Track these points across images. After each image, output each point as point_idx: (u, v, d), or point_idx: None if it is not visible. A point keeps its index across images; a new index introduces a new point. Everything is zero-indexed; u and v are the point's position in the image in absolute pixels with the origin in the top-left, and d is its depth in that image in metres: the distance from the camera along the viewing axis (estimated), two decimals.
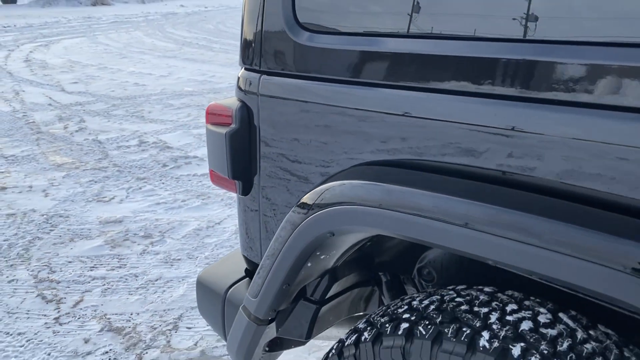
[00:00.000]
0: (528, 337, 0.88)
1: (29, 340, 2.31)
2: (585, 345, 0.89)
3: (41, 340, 2.30)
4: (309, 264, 1.10)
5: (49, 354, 2.22)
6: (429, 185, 0.89)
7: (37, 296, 2.63)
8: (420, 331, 0.92)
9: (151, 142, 5.02)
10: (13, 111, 6.21)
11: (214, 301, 1.38)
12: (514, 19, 0.89)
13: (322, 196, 1.01)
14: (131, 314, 2.48)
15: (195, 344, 2.27)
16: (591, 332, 0.92)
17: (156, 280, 2.76)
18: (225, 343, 1.43)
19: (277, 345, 1.33)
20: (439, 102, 0.94)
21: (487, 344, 0.88)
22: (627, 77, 0.75)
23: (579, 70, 0.80)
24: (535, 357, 0.85)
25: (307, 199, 1.04)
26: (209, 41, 11.93)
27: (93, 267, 2.90)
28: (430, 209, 0.87)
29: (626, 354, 0.90)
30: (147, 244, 3.14)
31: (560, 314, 0.95)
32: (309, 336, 1.26)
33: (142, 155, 4.67)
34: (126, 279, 2.77)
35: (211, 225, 3.34)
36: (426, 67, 0.96)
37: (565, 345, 0.88)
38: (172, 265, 2.91)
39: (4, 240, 3.18)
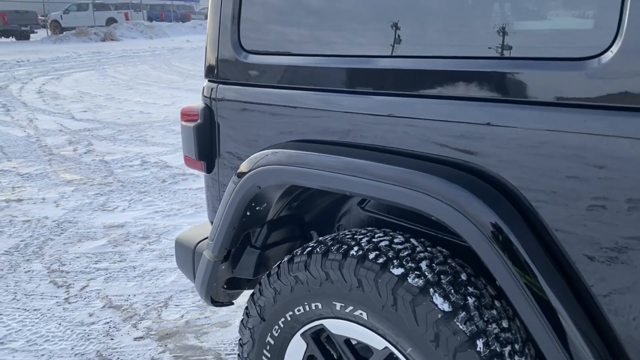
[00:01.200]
0: (383, 249, 1.34)
1: (43, 314, 2.76)
2: (421, 254, 1.34)
3: (53, 314, 2.75)
4: (248, 213, 1.57)
5: (59, 324, 2.67)
6: (314, 150, 1.38)
7: (49, 282, 3.09)
8: (319, 249, 1.39)
9: (152, 162, 5.53)
10: (27, 136, 6.77)
11: (187, 253, 1.84)
12: (369, 42, 1.38)
13: (251, 162, 1.49)
14: (129, 295, 2.93)
15: (181, 317, 2.72)
16: (430, 249, 1.38)
17: (151, 270, 3.22)
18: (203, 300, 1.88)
19: (233, 284, 1.78)
20: (325, 99, 1.43)
21: (354, 252, 1.34)
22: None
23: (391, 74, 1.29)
24: (383, 258, 1.31)
25: (243, 165, 1.52)
26: None
27: (97, 261, 3.36)
28: (313, 164, 1.35)
29: (450, 262, 1.35)
30: (144, 243, 3.60)
31: (412, 239, 1.41)
32: (255, 275, 1.71)
33: (143, 173, 5.17)
34: (125, 270, 3.23)
35: None
36: (317, 75, 1.45)
37: (406, 253, 1.34)
38: (165, 259, 3.37)
39: (21, 241, 3.66)
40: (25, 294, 2.96)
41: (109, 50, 20.15)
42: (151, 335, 2.57)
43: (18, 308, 2.82)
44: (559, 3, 1.21)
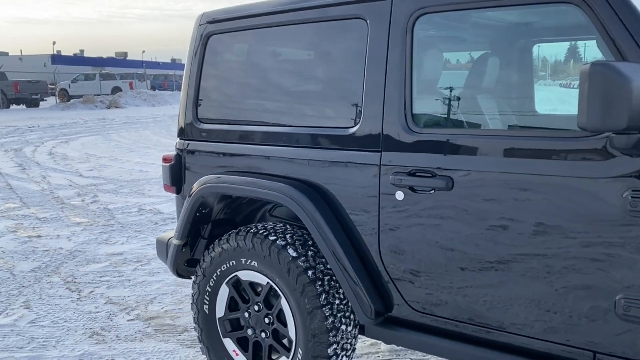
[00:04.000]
0: (269, 229, 2.44)
1: (62, 307, 3.79)
2: (289, 231, 2.44)
3: (69, 307, 3.79)
4: (197, 214, 2.68)
5: (73, 312, 3.70)
6: (231, 175, 2.52)
7: (65, 289, 4.13)
8: (235, 233, 2.49)
9: (148, 209, 6.64)
10: (42, 190, 7.92)
11: (162, 245, 2.93)
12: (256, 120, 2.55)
13: (199, 183, 2.61)
14: (124, 296, 3.97)
15: (162, 309, 3.75)
16: (295, 229, 2.48)
17: (142, 282, 4.27)
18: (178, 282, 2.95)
19: (191, 263, 2.86)
20: (239, 148, 2.58)
21: (254, 231, 2.44)
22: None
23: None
24: (266, 232, 2.41)
25: (194, 185, 2.65)
26: None
27: (101, 276, 4.41)
28: (231, 181, 2.49)
29: (304, 234, 2.45)
30: (138, 265, 4.66)
31: (288, 225, 2.52)
32: None
33: (140, 217, 6.27)
34: (122, 282, 4.28)
35: None
36: (234, 135, 2.61)
37: (280, 230, 2.44)
38: (153, 275, 4.42)
39: (42, 264, 4.71)
40: (48, 296, 4.00)
41: (113, 117, 21.69)
42: (139, 318, 3.60)
43: (43, 304, 3.85)
44: (337, 97, 2.39)
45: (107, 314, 3.68)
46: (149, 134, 15.42)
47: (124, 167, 9.81)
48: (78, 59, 64.12)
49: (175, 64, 65.46)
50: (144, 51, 79.52)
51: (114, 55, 75.43)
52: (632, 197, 1.64)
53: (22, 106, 29.30)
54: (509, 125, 2.06)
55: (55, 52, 64.12)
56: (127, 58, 74.46)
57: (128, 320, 3.57)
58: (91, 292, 4.08)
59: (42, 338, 3.34)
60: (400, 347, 3.13)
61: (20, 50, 65.24)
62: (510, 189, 1.85)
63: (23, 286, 4.19)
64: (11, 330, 3.44)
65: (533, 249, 1.83)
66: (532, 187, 1.81)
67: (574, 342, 1.82)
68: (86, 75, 36.88)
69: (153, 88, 39.01)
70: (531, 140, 1.83)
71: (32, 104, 29.30)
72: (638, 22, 1.63)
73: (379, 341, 3.20)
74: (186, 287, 4.06)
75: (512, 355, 1.94)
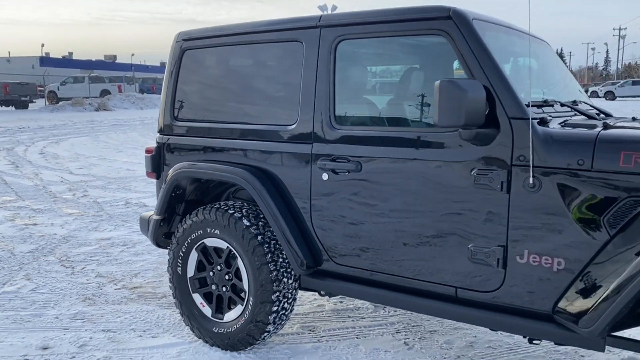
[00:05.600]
0: (230, 205, 3.10)
1: (58, 279, 4.41)
2: (245, 207, 3.10)
3: (64, 279, 4.41)
4: (172, 194, 3.32)
5: (68, 284, 4.32)
6: (201, 162, 3.18)
7: (60, 266, 4.74)
8: (204, 209, 3.15)
9: (134, 203, 7.26)
10: (35, 185, 8.50)
11: (145, 221, 3.57)
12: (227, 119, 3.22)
13: (174, 169, 3.26)
14: (112, 272, 4.60)
15: (145, 281, 4.38)
16: (251, 206, 3.13)
17: (127, 261, 4.89)
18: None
19: (168, 236, 3.50)
20: (207, 141, 3.24)
21: (218, 207, 3.10)
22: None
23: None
24: (226, 207, 3.06)
25: (170, 171, 3.29)
26: None
27: (92, 256, 5.03)
28: (199, 167, 3.14)
29: (258, 210, 3.11)
30: (124, 247, 5.28)
31: (245, 203, 3.17)
32: None
33: (127, 209, 6.89)
34: (110, 261, 4.90)
35: None
36: (203, 130, 3.27)
37: (239, 207, 3.09)
38: (137, 255, 5.04)
39: (39, 246, 5.32)
40: (45, 271, 4.61)
41: (102, 119, 22.21)
42: (125, 287, 4.23)
43: (42, 277, 4.47)
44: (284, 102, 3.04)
45: (97, 284, 4.30)
46: (137, 135, 16.00)
47: (112, 166, 10.41)
48: (67, 62, 64.29)
49: (164, 68, 65.76)
50: (133, 54, 79.91)
51: (103, 58, 75.68)
52: (477, 174, 2.32)
53: (12, 108, 29.67)
54: (397, 124, 2.73)
55: (43, 54, 64.32)
56: (117, 61, 74.73)
57: (115, 289, 4.20)
58: (83, 268, 4.70)
59: (42, 301, 3.96)
60: (341, 308, 3.81)
61: (9, 52, 65.37)
62: (398, 169, 2.53)
63: (23, 263, 4.80)
64: (15, 296, 4.06)
65: (414, 213, 2.51)
66: (411, 167, 2.49)
67: (444, 282, 2.49)
68: (75, 78, 37.28)
69: (142, 91, 39.45)
70: (409, 134, 2.51)
71: (22, 105, 29.68)
72: (482, 50, 2.32)
73: (323, 303, 3.88)
74: (166, 265, 4.70)
75: (405, 294, 2.61)
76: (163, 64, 72.35)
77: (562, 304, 2.19)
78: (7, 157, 11.53)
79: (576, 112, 2.64)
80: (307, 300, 3.93)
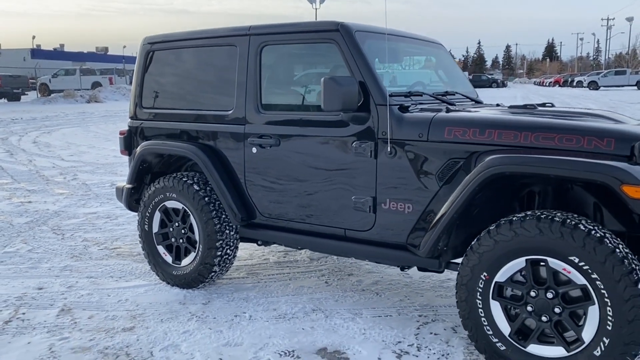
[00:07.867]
0: (188, 176, 3.94)
1: (50, 243, 5.25)
2: (202, 178, 3.95)
3: (55, 242, 5.25)
4: (140, 167, 4.16)
5: (59, 246, 5.16)
6: (163, 141, 4.02)
7: (52, 233, 5.58)
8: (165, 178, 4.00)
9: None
10: (29, 170, 9.31)
11: (120, 190, 4.41)
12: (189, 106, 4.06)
13: (142, 147, 4.10)
14: (96, 237, 5.45)
15: (124, 244, 5.23)
16: (200, 175, 3.98)
17: (110, 229, 5.74)
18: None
19: (138, 201, 4.34)
20: (168, 125, 4.08)
21: (177, 175, 3.95)
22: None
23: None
24: (186, 178, 3.91)
25: (138, 148, 4.13)
26: None
27: (80, 226, 5.87)
28: (161, 144, 3.99)
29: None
30: (108, 219, 6.13)
31: (198, 174, 4.02)
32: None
33: (112, 190, 7.72)
34: (95, 229, 5.75)
35: None
36: (166, 116, 4.11)
37: (196, 178, 3.94)
38: (119, 225, 5.89)
39: (34, 219, 6.15)
40: (40, 237, 5.45)
41: (93, 110, 22.94)
42: (106, 248, 5.08)
43: (37, 241, 5.31)
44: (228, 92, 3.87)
45: (84, 246, 5.15)
46: (126, 126, 16.74)
47: (101, 154, 11.22)
48: (58, 54, 64.63)
49: None
50: (125, 46, 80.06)
51: (94, 50, 75.92)
52: (356, 145, 3.18)
53: (4, 100, 30.29)
54: (304, 109, 3.58)
55: (35, 47, 64.58)
56: (108, 53, 74.97)
57: (98, 249, 5.06)
58: (72, 235, 5.54)
59: (37, 258, 4.81)
60: (283, 260, 4.68)
61: None
62: (304, 143, 3.39)
63: (20, 232, 5.63)
64: (15, 254, 4.90)
65: (315, 176, 3.37)
66: (313, 142, 3.35)
67: (337, 225, 3.36)
68: (67, 71, 37.84)
69: None
70: (312, 117, 3.37)
71: (14, 98, 30.31)
72: (359, 55, 3.16)
73: (269, 257, 4.75)
74: None
75: (311, 236, 3.47)
76: None
77: (411, 237, 3.06)
78: (2, 146, 12.31)
79: (440, 101, 3.49)
80: (256, 255, 4.79)
